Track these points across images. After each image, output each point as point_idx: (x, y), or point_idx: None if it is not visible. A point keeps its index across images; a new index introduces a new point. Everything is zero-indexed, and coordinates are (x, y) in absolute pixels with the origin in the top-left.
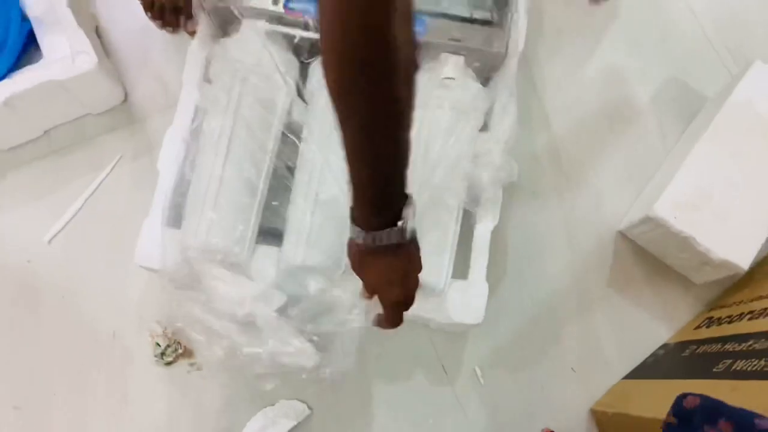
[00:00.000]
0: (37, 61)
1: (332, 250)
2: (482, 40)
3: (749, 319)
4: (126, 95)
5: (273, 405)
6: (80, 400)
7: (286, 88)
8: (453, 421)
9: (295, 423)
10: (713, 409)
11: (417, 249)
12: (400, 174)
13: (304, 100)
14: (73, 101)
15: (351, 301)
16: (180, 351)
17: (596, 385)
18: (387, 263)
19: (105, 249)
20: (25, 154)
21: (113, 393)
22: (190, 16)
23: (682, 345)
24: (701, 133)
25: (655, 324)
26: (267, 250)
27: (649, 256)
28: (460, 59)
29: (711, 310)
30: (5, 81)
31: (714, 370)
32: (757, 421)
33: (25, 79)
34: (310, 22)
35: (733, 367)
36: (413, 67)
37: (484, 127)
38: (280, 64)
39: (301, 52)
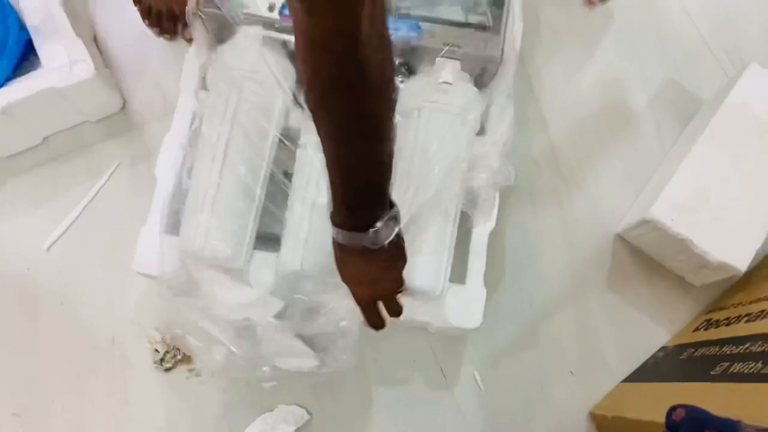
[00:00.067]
0: (35, 70)
1: (330, 255)
2: (478, 45)
3: (746, 321)
4: (124, 102)
5: (272, 410)
6: (79, 407)
7: (282, 95)
8: (452, 425)
9: (294, 428)
10: (698, 420)
11: (395, 257)
12: (376, 183)
13: (300, 106)
14: (71, 109)
15: (348, 305)
16: (179, 357)
17: (595, 388)
18: (357, 264)
19: (103, 256)
20: (24, 161)
21: (112, 399)
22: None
23: (681, 348)
24: (698, 135)
25: (653, 326)
26: (265, 256)
27: (647, 259)
28: (456, 64)
29: (709, 312)
30: (4, 89)
31: (711, 373)
32: (741, 429)
33: (23, 87)
34: None
35: (731, 370)
36: (389, 86)
37: (481, 131)
38: (276, 70)
39: None
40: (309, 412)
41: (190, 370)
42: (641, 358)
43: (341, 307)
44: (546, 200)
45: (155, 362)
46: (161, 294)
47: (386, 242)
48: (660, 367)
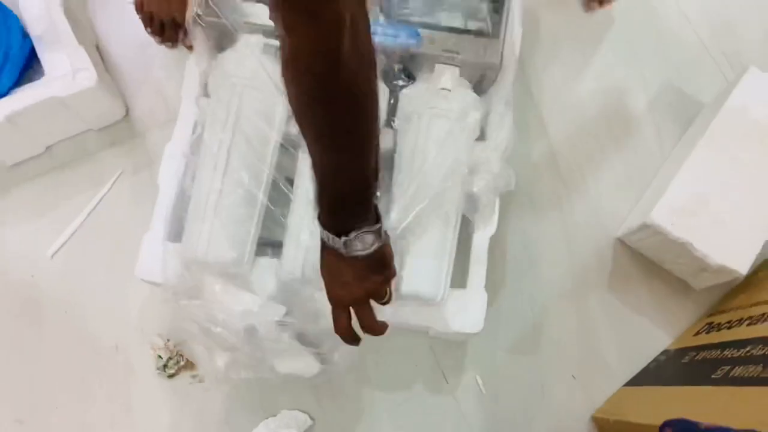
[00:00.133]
0: (38, 78)
1: None
2: (477, 51)
3: (748, 324)
4: (126, 111)
5: (275, 416)
6: (82, 413)
7: (282, 101)
8: (454, 428)
9: None
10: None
11: (371, 269)
12: (357, 195)
13: None
14: (74, 117)
15: None
16: (182, 363)
17: (597, 392)
18: (332, 262)
19: (106, 263)
20: (28, 170)
21: (115, 405)
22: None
23: (682, 351)
24: (698, 139)
25: (655, 330)
26: (267, 262)
27: (647, 262)
28: (456, 70)
29: (711, 315)
30: (7, 98)
31: (713, 376)
32: None
33: (26, 96)
34: None
35: (732, 374)
36: (373, 102)
37: (482, 136)
38: (276, 77)
39: None
40: (312, 417)
41: (193, 376)
42: (643, 362)
43: None
44: (546, 204)
45: (158, 368)
46: (164, 301)
47: (359, 254)
48: (662, 371)
